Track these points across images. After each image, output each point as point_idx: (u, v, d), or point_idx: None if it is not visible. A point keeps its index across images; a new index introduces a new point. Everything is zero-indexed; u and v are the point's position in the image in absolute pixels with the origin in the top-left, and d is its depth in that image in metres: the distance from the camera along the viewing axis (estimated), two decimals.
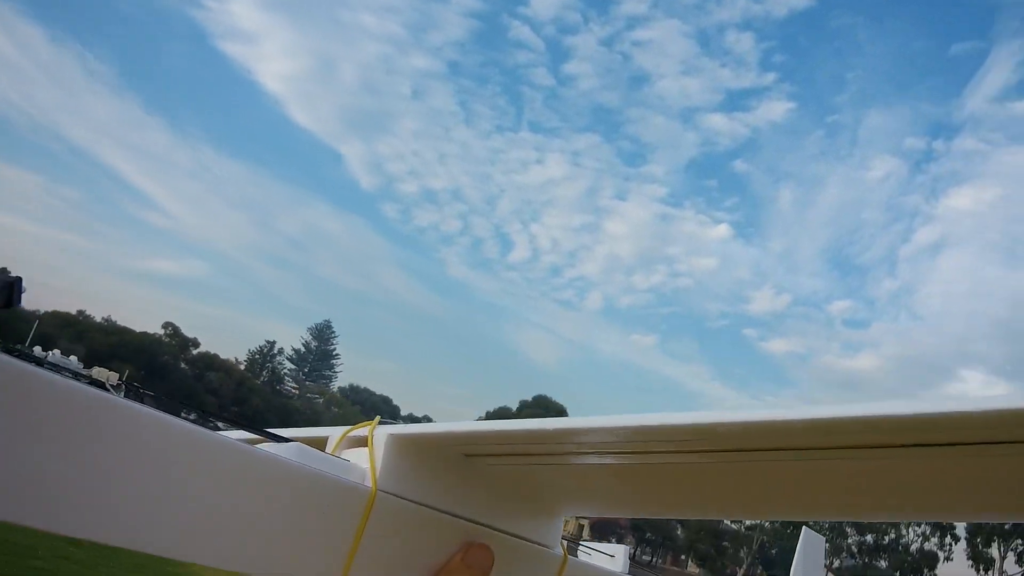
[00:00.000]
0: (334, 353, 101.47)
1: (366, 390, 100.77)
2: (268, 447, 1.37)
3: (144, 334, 64.01)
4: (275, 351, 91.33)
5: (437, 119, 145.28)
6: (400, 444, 1.45)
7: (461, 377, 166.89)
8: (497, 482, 1.65)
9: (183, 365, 64.80)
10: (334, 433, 1.63)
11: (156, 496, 1.15)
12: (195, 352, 66.21)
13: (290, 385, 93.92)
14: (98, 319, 66.21)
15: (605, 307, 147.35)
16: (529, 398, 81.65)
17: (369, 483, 1.40)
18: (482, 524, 1.59)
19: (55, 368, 1.24)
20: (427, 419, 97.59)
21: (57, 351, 44.90)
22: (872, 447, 1.10)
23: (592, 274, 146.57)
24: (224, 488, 1.22)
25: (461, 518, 1.55)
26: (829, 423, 1.04)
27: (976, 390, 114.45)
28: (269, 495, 1.26)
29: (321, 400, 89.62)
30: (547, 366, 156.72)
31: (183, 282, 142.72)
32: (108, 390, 1.24)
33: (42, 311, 61.26)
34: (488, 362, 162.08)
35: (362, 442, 1.51)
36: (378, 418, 1.58)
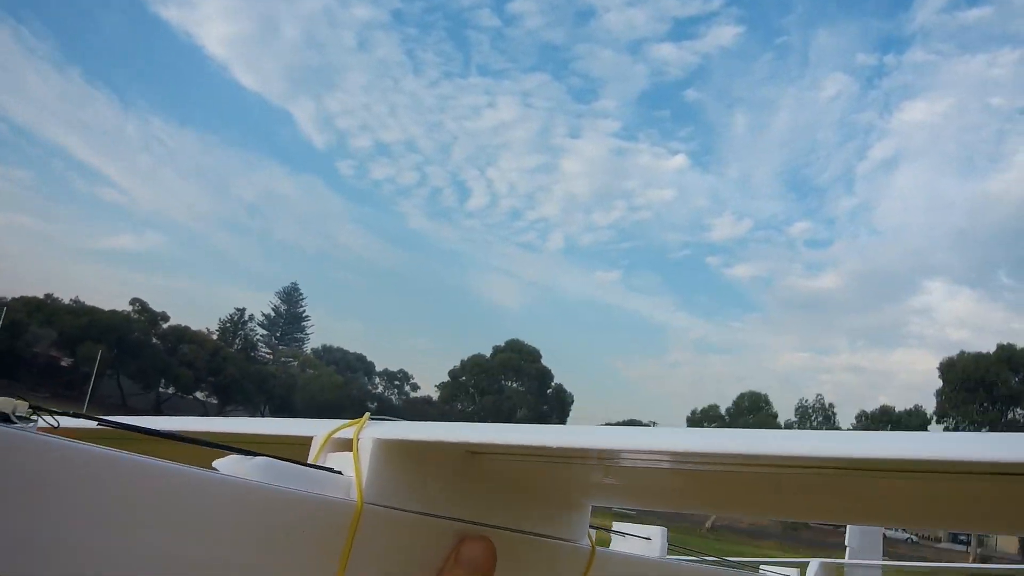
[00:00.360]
0: (304, 315, 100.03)
1: (339, 349, 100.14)
2: (231, 463, 1.16)
3: (113, 312, 63.36)
4: (245, 318, 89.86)
5: (385, 70, 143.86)
6: (390, 449, 1.28)
7: (431, 329, 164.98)
8: (506, 479, 1.50)
9: (155, 340, 63.58)
10: (318, 433, 1.39)
11: (95, 548, 0.93)
12: (165, 326, 64.68)
13: (264, 351, 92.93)
14: (66, 301, 64.95)
15: (567, 247, 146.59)
16: (502, 343, 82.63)
17: (354, 495, 1.21)
18: (489, 525, 1.43)
19: None
20: (403, 373, 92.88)
21: None
22: (858, 469, 1.12)
23: (552, 215, 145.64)
24: (180, 527, 1.00)
25: (464, 521, 1.39)
26: (837, 461, 1.04)
27: (940, 301, 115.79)
28: (236, 527, 1.06)
29: (296, 363, 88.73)
30: (514, 310, 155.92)
31: (144, 256, 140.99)
32: (12, 420, 0.97)
33: (9, 298, 60.96)
34: (456, 311, 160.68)
35: (348, 445, 1.31)
36: (367, 416, 1.41)
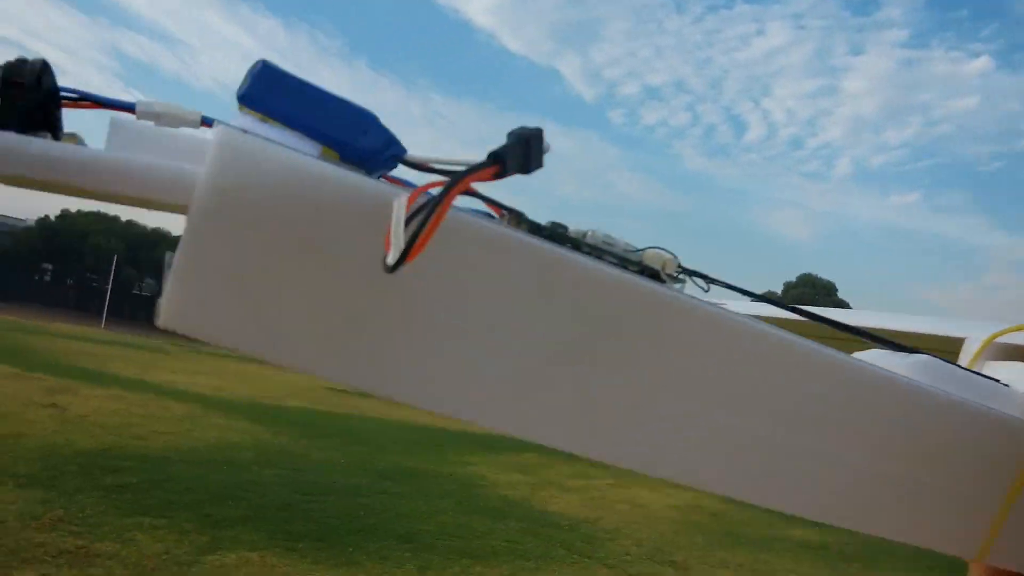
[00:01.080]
0: None
1: None
2: (877, 356, 0.98)
3: None
4: None
5: (647, 14, 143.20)
6: None
7: (720, 271, 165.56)
8: None
9: None
10: (972, 336, 1.19)
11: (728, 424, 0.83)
12: None
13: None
14: None
15: (856, 172, 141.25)
16: (793, 279, 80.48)
17: None
18: None
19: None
20: None
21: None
22: None
23: (836, 139, 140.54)
24: (822, 417, 0.85)
25: None
26: None
27: None
28: (887, 426, 0.88)
29: None
30: (804, 243, 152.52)
31: None
32: (662, 280, 0.94)
33: None
34: (743, 250, 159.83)
35: (1016, 353, 1.10)
36: None
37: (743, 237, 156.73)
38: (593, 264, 0.76)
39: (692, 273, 0.98)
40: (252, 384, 23.05)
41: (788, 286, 79.53)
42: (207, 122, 0.88)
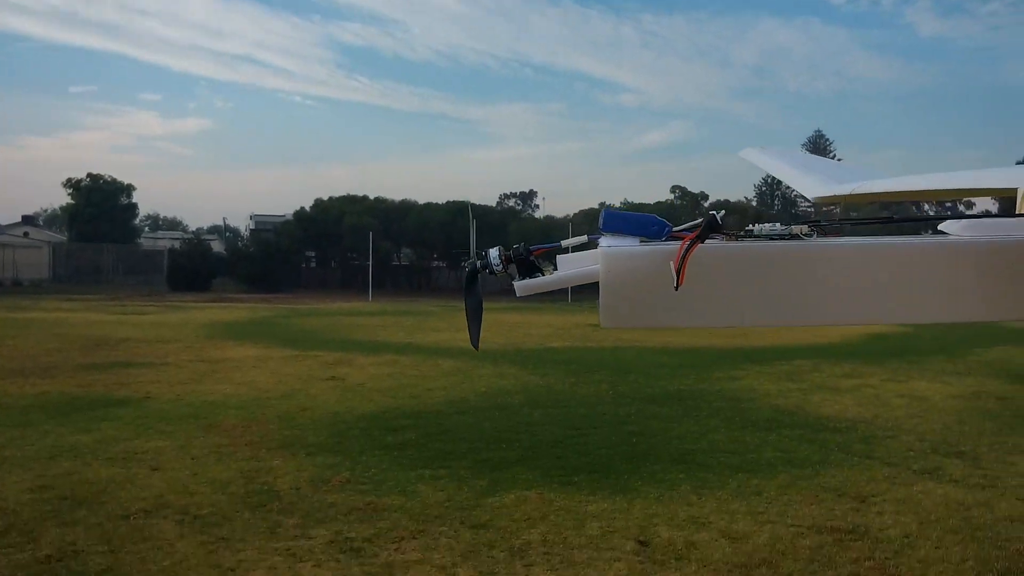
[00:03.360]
0: (836, 159, 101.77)
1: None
2: (953, 225, 1.67)
3: (658, 203, 67.84)
4: (778, 180, 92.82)
5: None
6: None
7: (978, 137, 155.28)
8: None
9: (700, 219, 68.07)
10: (1021, 185, 1.72)
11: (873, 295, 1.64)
12: (706, 204, 69.20)
13: (804, 206, 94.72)
14: (617, 204, 71.62)
15: None
16: None
17: None
18: None
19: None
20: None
21: None
22: None
23: None
24: (916, 284, 1.57)
25: None
26: None
27: None
28: (959, 278, 1.52)
29: (837, 209, 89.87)
30: None
31: (673, 145, 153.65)
32: (800, 237, 1.91)
33: (571, 214, 68.19)
34: (1002, 112, 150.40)
35: None
36: None
37: (997, 99, 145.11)
38: (772, 244, 1.68)
39: (816, 226, 1.64)
40: (515, 332, 23.58)
41: None
42: (594, 239, 2.31)
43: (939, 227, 1.72)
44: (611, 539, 6.39)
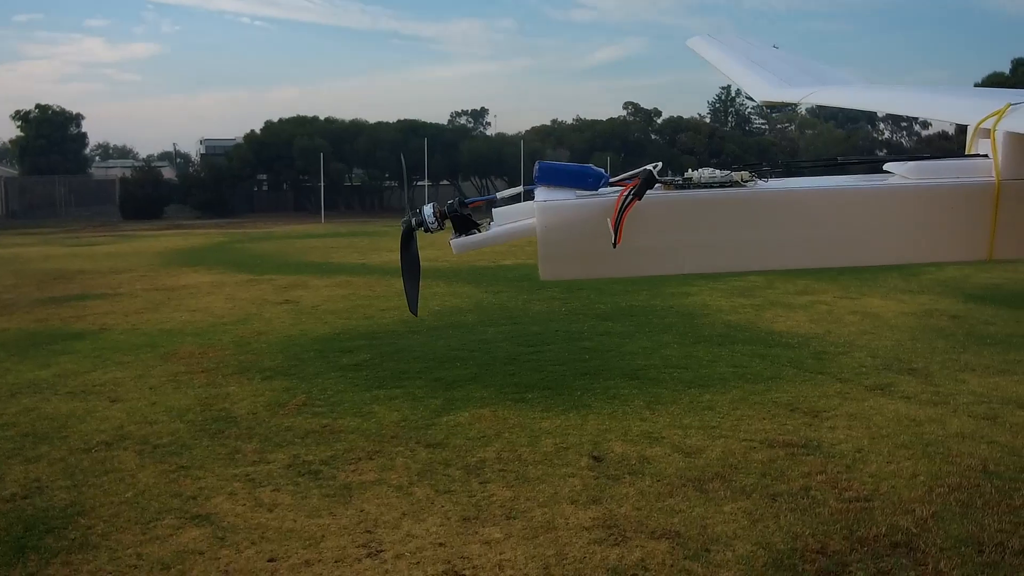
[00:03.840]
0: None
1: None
2: (897, 166, 1.66)
3: (611, 120, 67.06)
4: (732, 94, 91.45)
5: None
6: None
7: (938, 58, 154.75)
8: None
9: (653, 136, 66.24)
10: (971, 123, 1.62)
11: (817, 235, 1.63)
12: (660, 121, 67.73)
13: (758, 123, 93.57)
14: (569, 121, 70.96)
15: None
16: (1022, 55, 74.93)
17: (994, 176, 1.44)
18: None
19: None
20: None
21: None
22: None
23: None
24: (857, 221, 1.56)
25: None
26: None
27: None
28: (899, 217, 1.52)
29: (792, 127, 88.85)
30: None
31: (627, 62, 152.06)
32: (741, 184, 1.86)
33: (523, 131, 67.80)
34: (963, 32, 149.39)
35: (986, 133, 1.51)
36: (1008, 105, 1.52)
37: (958, 18, 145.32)
38: (712, 192, 1.61)
39: (761, 174, 1.63)
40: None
41: (1017, 63, 73.51)
42: (529, 190, 2.06)
43: (884, 167, 1.72)
44: (565, 455, 6.50)
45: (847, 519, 5.32)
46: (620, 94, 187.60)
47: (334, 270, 19.64)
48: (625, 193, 1.90)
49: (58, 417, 7.76)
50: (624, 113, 68.77)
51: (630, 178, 2.05)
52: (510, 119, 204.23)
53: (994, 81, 71.28)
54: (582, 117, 70.06)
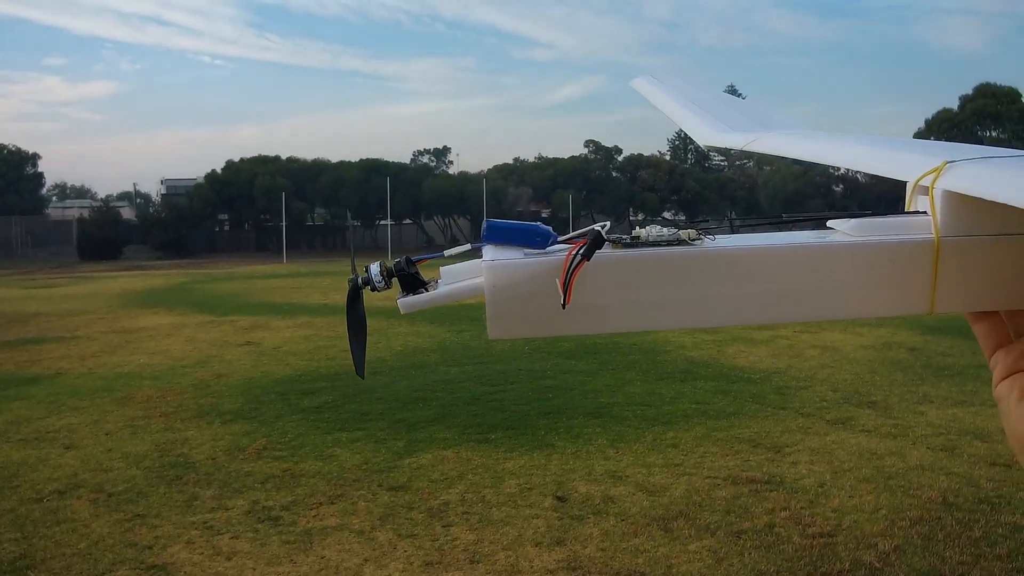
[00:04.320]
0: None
1: None
2: (839, 223, 1.58)
3: (572, 157, 67.86)
4: None
5: None
6: (962, 196, 1.45)
7: (887, 94, 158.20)
8: None
9: (614, 174, 67.13)
10: (910, 182, 1.68)
11: (758, 295, 1.48)
12: (620, 158, 68.11)
13: (717, 159, 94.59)
14: (531, 159, 71.20)
15: None
16: (969, 91, 75.44)
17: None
18: None
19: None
20: None
21: None
22: None
23: None
24: (798, 277, 1.47)
25: None
26: None
27: None
28: (839, 272, 1.46)
29: (751, 163, 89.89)
30: (978, 52, 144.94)
31: (588, 100, 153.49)
32: (688, 242, 1.92)
33: (485, 169, 67.99)
34: (909, 70, 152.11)
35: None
36: (944, 163, 1.53)
37: (910, 55, 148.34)
38: (659, 250, 1.38)
39: (707, 230, 1.50)
40: None
41: (965, 100, 74.55)
42: (477, 248, 1.58)
43: (828, 223, 1.72)
44: (529, 496, 6.45)
45: (811, 555, 5.31)
46: (581, 131, 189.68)
47: (296, 310, 19.50)
48: (573, 253, 1.80)
49: (9, 466, 7.59)
50: (585, 151, 69.35)
51: (579, 236, 1.96)
52: (472, 156, 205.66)
53: (943, 117, 72.76)
54: (544, 155, 70.56)
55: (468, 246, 2.55)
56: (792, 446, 7.63)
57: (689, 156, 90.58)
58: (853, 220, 1.46)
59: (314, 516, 6.15)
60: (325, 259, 47.42)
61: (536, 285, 1.53)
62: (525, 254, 1.82)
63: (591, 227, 1.85)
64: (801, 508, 6.11)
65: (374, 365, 11.86)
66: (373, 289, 2.74)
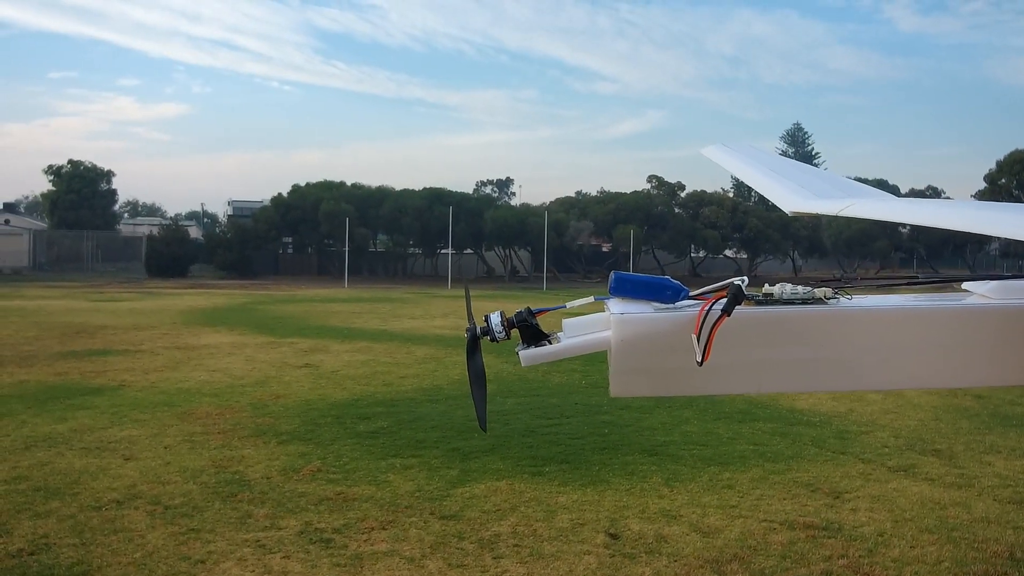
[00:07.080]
0: (813, 153, 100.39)
1: (857, 177, 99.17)
2: (976, 286, 1.76)
3: (635, 192, 67.74)
4: None
5: None
6: None
7: (954, 134, 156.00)
8: None
9: (677, 210, 66.66)
10: None
11: (885, 357, 1.62)
12: (683, 195, 67.58)
13: None
14: (593, 192, 71.47)
15: None
16: None
17: None
18: None
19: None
20: (931, 189, 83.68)
21: None
22: None
23: None
24: (941, 343, 1.58)
25: None
26: None
27: None
28: (985, 332, 1.54)
29: None
30: None
31: (649, 134, 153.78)
32: (823, 301, 1.84)
33: (547, 202, 69.56)
34: (979, 109, 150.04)
35: None
36: None
37: (979, 94, 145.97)
38: (795, 309, 1.56)
39: (839, 286, 1.58)
40: None
41: None
42: (600, 300, 2.18)
43: (962, 285, 1.69)
44: (581, 531, 6.39)
45: None
46: (643, 166, 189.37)
47: (355, 335, 19.66)
48: (708, 307, 1.75)
49: (71, 472, 7.72)
50: (648, 186, 69.13)
51: (712, 291, 1.91)
52: (534, 187, 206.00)
53: (1016, 158, 70.93)
54: (606, 189, 70.62)
55: (591, 298, 2.59)
56: (852, 492, 7.48)
57: (753, 194, 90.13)
58: (992, 283, 1.42)
59: (365, 540, 6.14)
60: (385, 286, 47.73)
61: (666, 341, 1.47)
62: (655, 309, 1.79)
63: (729, 281, 1.81)
64: (860, 556, 5.97)
65: (430, 393, 11.87)
66: (492, 340, 2.71)
